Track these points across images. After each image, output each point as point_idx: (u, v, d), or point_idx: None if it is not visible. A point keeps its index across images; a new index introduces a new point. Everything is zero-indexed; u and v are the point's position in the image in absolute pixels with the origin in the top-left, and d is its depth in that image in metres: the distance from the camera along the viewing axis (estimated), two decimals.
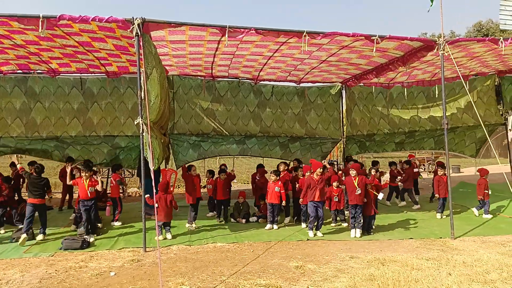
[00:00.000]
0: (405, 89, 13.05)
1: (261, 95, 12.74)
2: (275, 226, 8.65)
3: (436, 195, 9.72)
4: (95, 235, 7.92)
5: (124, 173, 14.22)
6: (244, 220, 9.29)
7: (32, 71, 10.77)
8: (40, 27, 6.35)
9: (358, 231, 7.97)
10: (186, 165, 9.82)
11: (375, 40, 7.80)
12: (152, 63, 7.04)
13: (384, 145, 13.96)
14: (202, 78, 12.11)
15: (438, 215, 9.58)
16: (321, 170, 8.05)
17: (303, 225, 8.76)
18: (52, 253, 6.80)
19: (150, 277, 5.64)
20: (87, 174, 8.05)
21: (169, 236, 7.86)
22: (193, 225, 8.76)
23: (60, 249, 7.03)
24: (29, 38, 7.78)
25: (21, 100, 11.15)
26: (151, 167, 6.91)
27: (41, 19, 6.35)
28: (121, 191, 14.13)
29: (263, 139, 12.81)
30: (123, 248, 7.15)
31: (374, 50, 8.01)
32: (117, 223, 9.10)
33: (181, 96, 12.07)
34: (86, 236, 7.56)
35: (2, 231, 8.40)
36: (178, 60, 10.04)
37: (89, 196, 7.98)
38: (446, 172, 8.85)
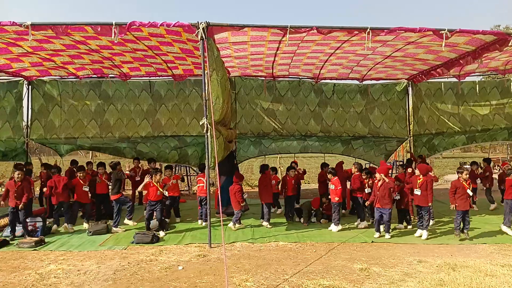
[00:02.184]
0: (477, 84, 12.27)
1: (322, 94, 12.62)
2: (336, 227, 8.39)
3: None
4: (164, 230, 8.30)
5: (189, 171, 14.81)
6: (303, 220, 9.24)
7: (106, 75, 11.56)
8: (113, 34, 6.79)
9: (425, 233, 7.65)
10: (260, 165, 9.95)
11: (444, 34, 7.38)
12: (213, 65, 7.25)
13: (455, 140, 13.19)
14: (263, 78, 12.28)
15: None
16: (382, 176, 7.77)
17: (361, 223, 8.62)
18: (125, 247, 7.24)
19: (215, 272, 5.82)
20: (157, 177, 8.35)
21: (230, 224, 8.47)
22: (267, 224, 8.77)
23: (132, 243, 7.46)
24: (102, 43, 8.35)
25: (96, 102, 12.02)
26: (207, 165, 7.19)
27: (113, 26, 6.79)
28: (186, 188, 14.74)
29: (324, 138, 12.69)
30: (190, 243, 7.44)
31: (443, 45, 7.58)
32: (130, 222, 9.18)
33: (243, 96, 12.33)
34: (156, 231, 7.97)
35: (86, 225, 8.94)
36: (240, 61, 10.25)
37: (156, 198, 8.25)
38: None
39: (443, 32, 7.35)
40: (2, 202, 7.81)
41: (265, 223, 8.68)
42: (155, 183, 8.26)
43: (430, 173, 8.22)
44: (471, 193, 7.64)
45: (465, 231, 7.63)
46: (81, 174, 8.99)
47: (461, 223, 7.61)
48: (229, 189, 8.69)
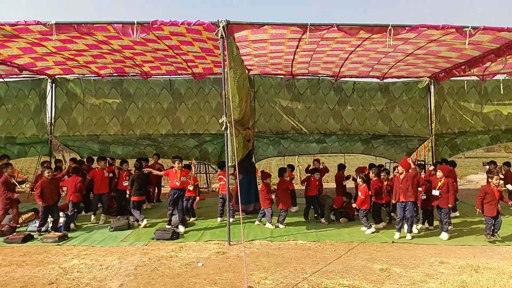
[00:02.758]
0: (501, 83, 11.95)
1: (342, 92, 12.51)
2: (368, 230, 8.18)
3: None
4: (185, 226, 8.40)
5: (208, 169, 14.90)
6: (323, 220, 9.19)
7: (127, 74, 11.73)
8: (134, 33, 6.87)
9: (445, 234, 7.54)
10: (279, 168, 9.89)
11: (467, 32, 7.21)
12: (230, 64, 7.27)
13: (478, 140, 12.90)
14: (282, 76, 12.24)
15: None
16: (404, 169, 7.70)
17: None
18: (146, 243, 7.34)
19: (234, 269, 5.85)
20: (180, 165, 8.55)
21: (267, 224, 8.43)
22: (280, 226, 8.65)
23: (153, 239, 7.56)
24: (124, 43, 8.48)
25: (117, 101, 12.20)
26: (228, 164, 7.22)
27: (135, 25, 6.88)
28: (205, 186, 14.84)
29: (344, 137, 12.58)
30: (209, 240, 7.50)
31: (466, 43, 7.39)
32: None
33: (262, 95, 12.33)
34: (176, 228, 8.07)
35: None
36: (259, 59, 10.26)
37: (178, 186, 8.44)
38: None
39: (466, 29, 7.17)
40: (39, 202, 7.95)
41: (281, 226, 8.56)
42: (177, 170, 8.47)
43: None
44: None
45: (495, 234, 7.43)
46: (103, 163, 9.52)
47: (492, 226, 7.40)
48: (260, 189, 8.75)
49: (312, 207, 9.36)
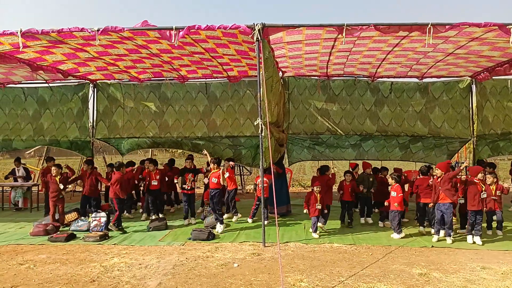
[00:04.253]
0: None
1: (379, 93, 12.27)
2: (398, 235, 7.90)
3: None
4: (223, 225, 8.51)
5: (242, 170, 14.99)
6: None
7: (165, 78, 12.03)
8: (173, 38, 7.05)
9: (478, 239, 7.27)
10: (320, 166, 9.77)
11: (511, 29, 6.89)
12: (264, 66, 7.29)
13: None
14: (317, 78, 12.16)
15: None
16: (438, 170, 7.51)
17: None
18: (183, 243, 7.49)
19: (270, 271, 5.86)
20: (214, 166, 8.73)
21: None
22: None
23: (189, 239, 7.70)
24: (163, 47, 8.70)
25: (155, 104, 12.54)
26: (261, 166, 7.23)
27: (173, 31, 7.05)
28: (240, 187, 14.92)
29: (380, 141, 12.29)
30: (244, 241, 7.55)
31: (511, 41, 7.04)
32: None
33: (296, 96, 12.30)
34: (212, 228, 8.22)
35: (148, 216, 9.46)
36: (294, 61, 10.24)
37: (213, 187, 8.63)
38: None
39: (510, 27, 6.85)
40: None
41: (320, 224, 8.50)
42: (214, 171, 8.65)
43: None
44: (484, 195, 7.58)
45: None
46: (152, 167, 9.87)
47: None
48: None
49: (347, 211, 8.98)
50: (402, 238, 7.79)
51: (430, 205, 7.84)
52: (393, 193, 8.07)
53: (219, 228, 8.34)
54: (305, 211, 8.13)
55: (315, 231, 7.94)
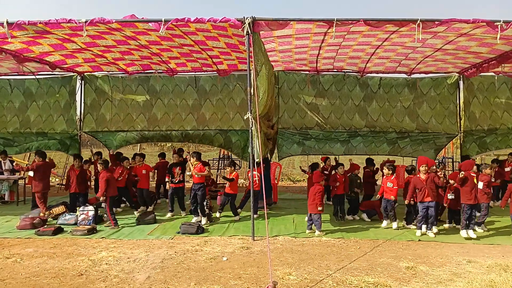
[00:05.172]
0: None
1: (368, 88, 12.34)
2: (394, 225, 8.07)
3: None
4: (205, 218, 8.55)
5: None
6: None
7: (154, 71, 11.92)
8: (161, 27, 6.97)
9: (471, 232, 7.38)
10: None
11: (499, 26, 6.97)
12: (262, 60, 7.29)
13: (509, 140, 12.49)
14: (307, 72, 12.17)
15: None
16: (426, 167, 7.55)
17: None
18: (171, 236, 7.47)
19: (259, 264, 5.88)
20: (193, 160, 8.67)
21: (316, 232, 7.65)
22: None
23: (178, 233, 7.68)
24: (152, 38, 8.60)
25: (144, 97, 12.43)
26: (256, 159, 7.21)
27: (162, 23, 6.98)
28: None
29: (369, 137, 12.38)
30: (233, 235, 7.57)
31: (498, 38, 7.14)
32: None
33: (286, 91, 12.31)
34: (198, 220, 8.26)
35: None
36: (284, 55, 10.23)
37: (196, 181, 8.62)
38: None
39: (498, 23, 6.93)
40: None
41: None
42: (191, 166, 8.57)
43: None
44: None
45: None
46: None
47: None
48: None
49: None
50: (386, 228, 8.02)
51: (407, 201, 7.92)
52: (389, 184, 8.11)
53: (203, 221, 8.39)
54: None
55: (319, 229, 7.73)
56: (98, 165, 8.64)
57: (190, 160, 8.83)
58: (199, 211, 8.61)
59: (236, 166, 14.34)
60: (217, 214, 9.19)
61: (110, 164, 9.10)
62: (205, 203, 8.76)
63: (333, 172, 9.30)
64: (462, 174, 7.37)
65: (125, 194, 9.76)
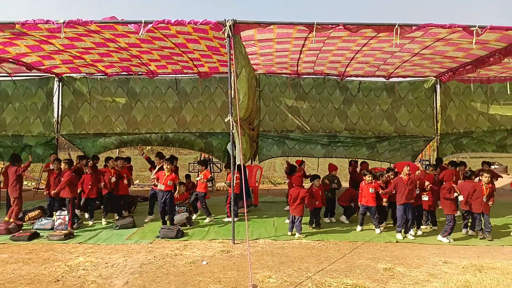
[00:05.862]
0: (508, 83, 11.89)
1: (347, 92, 12.50)
2: (377, 230, 8.11)
3: None
4: (189, 225, 8.49)
5: (213, 168, 14.90)
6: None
7: (133, 73, 11.79)
8: (141, 29, 6.88)
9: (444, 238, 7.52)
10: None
11: (474, 31, 7.16)
12: (242, 62, 7.30)
13: (484, 144, 12.83)
14: (288, 75, 12.25)
15: None
16: (408, 169, 7.69)
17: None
18: (151, 241, 7.38)
19: (239, 268, 5.88)
20: (168, 167, 8.31)
21: (297, 234, 7.68)
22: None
23: (158, 237, 7.59)
24: (131, 41, 8.52)
25: (123, 99, 12.29)
26: (237, 162, 7.20)
27: (143, 24, 6.88)
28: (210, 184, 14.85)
29: (349, 140, 12.51)
30: (213, 239, 7.53)
31: (473, 42, 7.35)
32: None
33: (267, 94, 12.36)
34: (180, 226, 8.12)
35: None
36: (265, 58, 10.27)
37: (166, 189, 8.25)
38: None
39: (473, 28, 7.11)
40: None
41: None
42: (166, 172, 8.27)
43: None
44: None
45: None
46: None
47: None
48: (291, 192, 7.93)
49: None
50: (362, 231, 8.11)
51: (384, 203, 8.01)
52: (371, 190, 8.14)
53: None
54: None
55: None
56: (63, 164, 8.43)
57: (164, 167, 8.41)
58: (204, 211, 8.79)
59: (217, 168, 14.38)
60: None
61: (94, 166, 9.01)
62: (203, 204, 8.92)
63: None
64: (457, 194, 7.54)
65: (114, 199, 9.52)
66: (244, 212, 6.41)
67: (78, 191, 8.82)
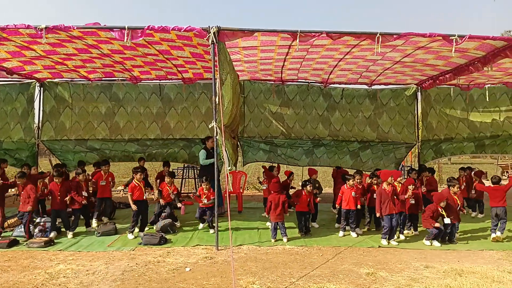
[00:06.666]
0: (487, 90, 12.21)
1: (331, 98, 12.64)
2: (353, 234, 8.26)
3: None
4: (172, 232, 8.42)
5: (196, 174, 14.78)
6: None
7: (116, 79, 11.71)
8: (126, 37, 6.86)
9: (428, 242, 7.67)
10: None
11: (453, 40, 7.37)
12: (227, 69, 7.33)
13: (463, 147, 13.12)
14: (272, 82, 12.33)
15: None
16: (392, 179, 7.79)
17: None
18: (133, 248, 7.30)
19: (222, 274, 5.86)
20: (138, 176, 8.25)
21: (285, 239, 7.80)
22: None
23: (140, 244, 7.51)
24: (114, 47, 8.47)
25: (106, 105, 12.19)
26: (227, 168, 7.17)
27: (126, 31, 6.87)
28: (194, 190, 14.75)
29: (332, 148, 12.63)
30: (197, 245, 7.48)
31: (453, 51, 7.56)
32: None
33: (251, 100, 12.40)
34: (163, 233, 8.05)
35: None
36: (250, 65, 10.33)
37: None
38: None
39: (453, 37, 7.33)
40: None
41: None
42: (138, 183, 8.20)
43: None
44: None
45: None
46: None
47: None
48: (271, 199, 7.98)
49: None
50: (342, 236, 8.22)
51: (378, 214, 7.93)
52: (353, 194, 8.26)
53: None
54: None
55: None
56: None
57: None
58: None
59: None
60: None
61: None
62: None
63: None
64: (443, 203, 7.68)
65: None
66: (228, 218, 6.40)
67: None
